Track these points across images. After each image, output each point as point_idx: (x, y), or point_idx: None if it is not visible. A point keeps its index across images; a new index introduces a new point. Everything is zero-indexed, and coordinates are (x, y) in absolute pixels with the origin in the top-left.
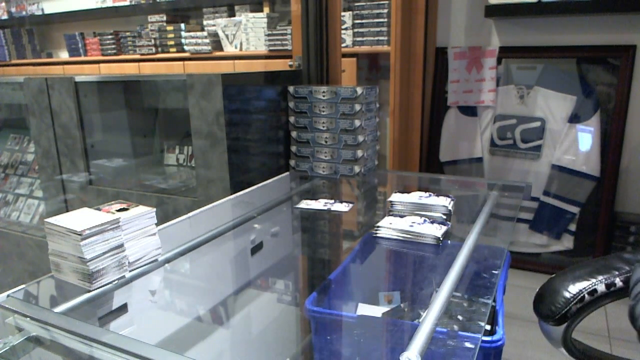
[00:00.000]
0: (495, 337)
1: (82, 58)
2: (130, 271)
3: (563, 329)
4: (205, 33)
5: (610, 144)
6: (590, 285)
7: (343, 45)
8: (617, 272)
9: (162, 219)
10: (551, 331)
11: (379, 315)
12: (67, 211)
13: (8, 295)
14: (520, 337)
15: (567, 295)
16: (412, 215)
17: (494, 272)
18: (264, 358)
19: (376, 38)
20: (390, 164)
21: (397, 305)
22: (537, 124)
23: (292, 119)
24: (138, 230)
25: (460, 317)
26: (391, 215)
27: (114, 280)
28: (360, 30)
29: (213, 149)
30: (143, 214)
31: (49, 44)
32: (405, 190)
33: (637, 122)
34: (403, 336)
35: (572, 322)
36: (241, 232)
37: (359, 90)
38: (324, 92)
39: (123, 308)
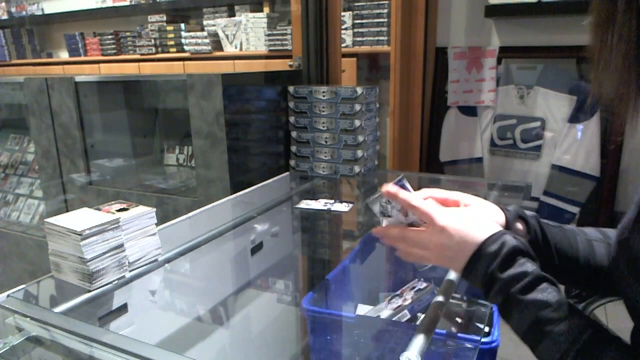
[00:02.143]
0: (489, 339)
1: (82, 58)
2: (130, 271)
3: (582, 306)
4: (205, 33)
5: (610, 144)
6: None
7: (343, 45)
8: None
9: (162, 219)
10: None
11: (379, 316)
12: (67, 211)
13: (8, 295)
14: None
15: None
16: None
17: None
18: (264, 358)
19: (376, 38)
20: (390, 164)
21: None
22: (537, 124)
23: (292, 119)
24: (138, 230)
25: (458, 319)
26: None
27: (114, 280)
28: (360, 30)
29: (213, 149)
30: (143, 214)
31: (49, 44)
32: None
33: (637, 121)
34: (403, 337)
35: (592, 301)
36: (241, 232)
37: (359, 90)
38: (324, 92)
39: (123, 308)
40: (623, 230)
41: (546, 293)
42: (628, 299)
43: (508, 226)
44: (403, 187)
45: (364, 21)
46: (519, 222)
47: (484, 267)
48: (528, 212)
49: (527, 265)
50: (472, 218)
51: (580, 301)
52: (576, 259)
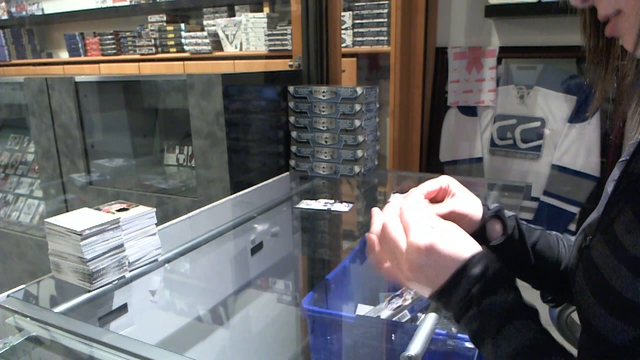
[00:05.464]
0: None
1: (82, 58)
2: (130, 271)
3: (559, 310)
4: (205, 33)
5: (610, 144)
6: None
7: (343, 45)
8: None
9: (162, 219)
10: (551, 312)
11: (379, 316)
12: (67, 211)
13: (8, 295)
14: None
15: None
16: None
17: None
18: (263, 358)
19: (376, 38)
20: (390, 164)
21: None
22: (537, 124)
23: (292, 119)
24: (138, 230)
25: None
26: None
27: (114, 280)
28: (360, 30)
29: (213, 149)
30: (143, 214)
31: (49, 44)
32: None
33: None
34: (403, 337)
35: (569, 305)
36: (241, 232)
37: (359, 90)
38: (324, 92)
39: (123, 308)
40: (584, 236)
41: (525, 329)
42: (581, 310)
43: (483, 222)
44: None
45: (364, 21)
46: (495, 220)
47: (465, 289)
48: (507, 212)
49: (510, 294)
50: (455, 233)
51: (556, 305)
52: (556, 263)
